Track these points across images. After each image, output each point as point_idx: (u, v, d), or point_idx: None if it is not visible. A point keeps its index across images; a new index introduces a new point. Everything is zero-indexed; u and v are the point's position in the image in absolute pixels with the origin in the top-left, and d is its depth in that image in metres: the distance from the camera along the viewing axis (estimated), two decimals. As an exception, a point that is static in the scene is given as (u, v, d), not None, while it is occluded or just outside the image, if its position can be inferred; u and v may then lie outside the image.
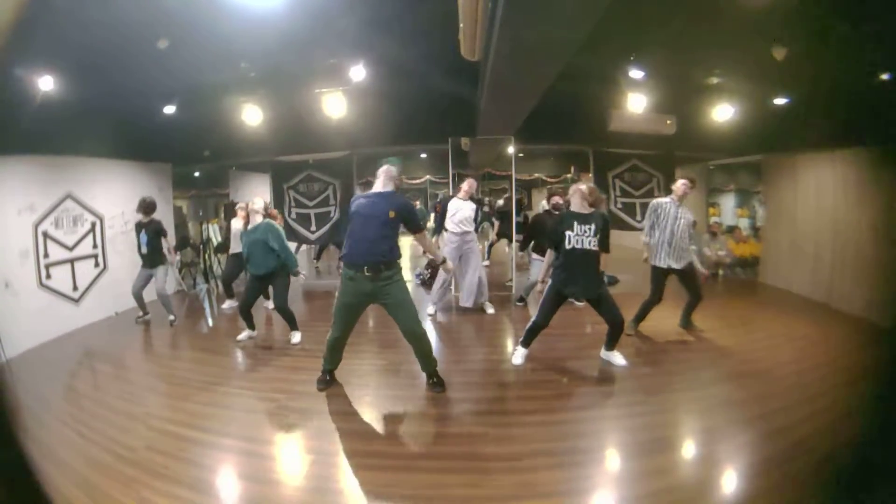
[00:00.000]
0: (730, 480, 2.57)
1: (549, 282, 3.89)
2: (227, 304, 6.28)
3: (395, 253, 3.35)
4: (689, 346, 4.51)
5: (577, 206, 3.82)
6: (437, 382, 3.53)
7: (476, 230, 5.70)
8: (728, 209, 10.78)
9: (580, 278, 3.75)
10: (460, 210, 5.42)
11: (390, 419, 3.17)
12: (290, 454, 2.89)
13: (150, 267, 5.52)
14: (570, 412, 3.24)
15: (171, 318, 5.63)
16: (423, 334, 3.45)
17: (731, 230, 8.72)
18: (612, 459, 2.76)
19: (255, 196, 4.84)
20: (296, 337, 4.78)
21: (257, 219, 4.59)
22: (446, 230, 5.48)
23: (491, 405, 3.33)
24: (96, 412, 3.38)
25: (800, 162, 6.69)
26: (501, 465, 2.61)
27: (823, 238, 6.16)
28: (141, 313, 5.71)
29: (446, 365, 3.87)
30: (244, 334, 4.86)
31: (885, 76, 4.49)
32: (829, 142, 5.79)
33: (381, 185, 3.42)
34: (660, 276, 4.57)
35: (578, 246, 3.70)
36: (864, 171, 5.57)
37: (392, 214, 3.28)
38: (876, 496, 1.67)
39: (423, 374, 3.59)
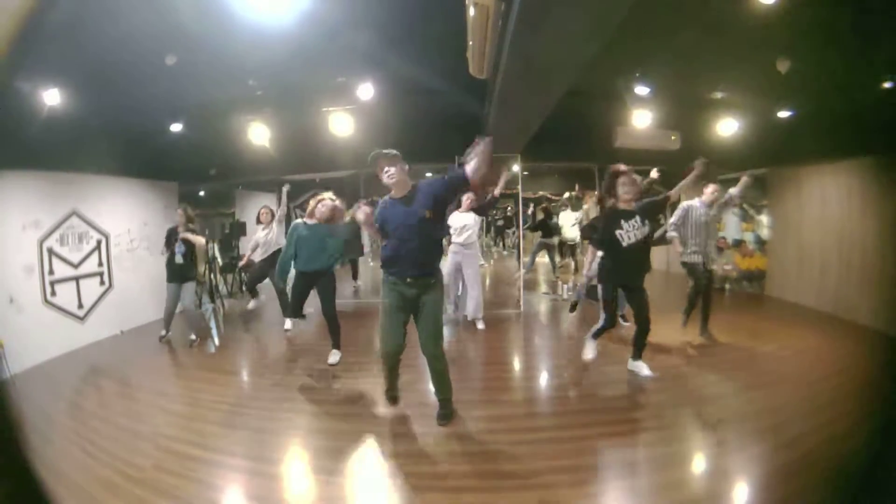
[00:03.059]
0: (743, 492, 2.57)
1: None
2: (253, 304, 6.09)
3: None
4: (700, 359, 4.45)
5: None
6: (445, 414, 3.18)
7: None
8: (733, 223, 10.71)
9: None
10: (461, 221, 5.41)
11: (404, 438, 3.10)
12: (301, 475, 2.82)
13: (182, 281, 5.29)
14: (583, 428, 3.17)
15: (193, 337, 5.45)
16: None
17: (738, 244, 8.68)
18: (627, 474, 2.72)
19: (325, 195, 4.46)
20: (335, 356, 4.31)
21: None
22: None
23: (506, 422, 3.27)
24: (104, 431, 3.32)
25: (804, 173, 6.69)
26: (517, 482, 2.55)
27: (829, 249, 6.13)
28: (165, 332, 5.52)
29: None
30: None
31: (887, 84, 4.52)
32: (834, 152, 5.80)
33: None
34: (697, 268, 4.71)
35: None
36: (869, 180, 5.58)
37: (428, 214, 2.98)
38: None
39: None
